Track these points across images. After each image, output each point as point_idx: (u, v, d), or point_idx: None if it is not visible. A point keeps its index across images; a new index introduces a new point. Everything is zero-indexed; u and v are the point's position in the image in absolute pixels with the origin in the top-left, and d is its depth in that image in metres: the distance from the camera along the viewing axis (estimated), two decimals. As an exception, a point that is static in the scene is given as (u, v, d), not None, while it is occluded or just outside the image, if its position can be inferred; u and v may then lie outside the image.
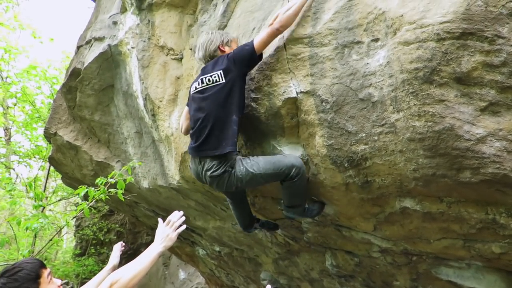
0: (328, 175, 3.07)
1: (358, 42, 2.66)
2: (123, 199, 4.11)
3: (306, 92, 2.90)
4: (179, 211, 2.58)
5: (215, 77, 3.10)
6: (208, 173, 3.11)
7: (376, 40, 2.57)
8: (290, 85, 2.99)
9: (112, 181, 3.98)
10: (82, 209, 3.84)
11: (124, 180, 4.05)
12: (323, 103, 2.82)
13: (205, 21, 4.20)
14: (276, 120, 3.15)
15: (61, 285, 2.29)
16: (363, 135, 2.68)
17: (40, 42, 13.95)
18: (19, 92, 13.10)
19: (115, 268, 2.92)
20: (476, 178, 2.35)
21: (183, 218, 2.54)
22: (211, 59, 3.28)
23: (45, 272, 2.21)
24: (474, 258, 3.06)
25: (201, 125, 3.11)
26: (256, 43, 3.00)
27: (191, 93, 3.32)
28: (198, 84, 3.22)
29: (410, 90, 2.35)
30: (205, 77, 3.16)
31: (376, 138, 2.63)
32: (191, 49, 4.27)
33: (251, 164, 3.09)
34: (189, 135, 3.54)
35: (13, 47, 13.36)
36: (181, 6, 4.58)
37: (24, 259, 2.23)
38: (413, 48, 2.32)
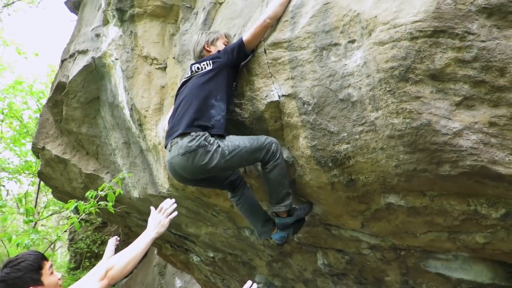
0: (313, 176, 3.13)
1: (336, 44, 2.72)
2: (113, 211, 4.13)
3: (288, 95, 2.96)
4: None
5: (203, 65, 3.17)
6: (180, 151, 2.94)
7: (353, 41, 2.63)
8: (272, 89, 3.05)
9: (102, 193, 4.00)
10: (73, 223, 3.85)
11: (114, 192, 4.07)
12: (305, 105, 2.87)
13: (187, 30, 4.25)
14: (260, 124, 3.20)
15: (61, 278, 2.34)
16: (345, 134, 2.74)
17: (25, 57, 13.90)
18: (5, 108, 13.03)
19: None
20: (455, 171, 2.42)
21: (175, 205, 2.63)
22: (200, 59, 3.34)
23: (47, 264, 2.25)
24: (460, 250, 3.13)
25: (177, 111, 3.13)
26: (245, 36, 3.08)
27: (180, 85, 3.35)
28: (188, 74, 3.28)
29: (387, 89, 2.41)
30: (194, 66, 3.24)
31: (357, 137, 2.69)
32: (174, 58, 4.31)
33: (236, 138, 3.04)
34: None
35: (-3, 64, 13.30)
36: (162, 16, 4.64)
37: (27, 251, 2.28)
38: (387, 48, 2.38)
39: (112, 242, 3.19)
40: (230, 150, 2.96)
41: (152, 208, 2.61)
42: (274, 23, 3.05)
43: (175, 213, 2.59)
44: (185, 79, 3.30)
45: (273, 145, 3.03)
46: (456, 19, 2.23)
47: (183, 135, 2.96)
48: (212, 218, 4.92)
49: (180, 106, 3.12)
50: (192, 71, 3.25)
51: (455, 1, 2.22)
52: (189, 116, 3.00)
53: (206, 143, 2.91)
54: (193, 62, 3.36)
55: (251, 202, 3.51)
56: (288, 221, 3.28)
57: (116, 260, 2.31)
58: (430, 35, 2.27)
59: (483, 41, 2.21)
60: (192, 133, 2.93)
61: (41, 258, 2.24)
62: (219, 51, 3.23)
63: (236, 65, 3.20)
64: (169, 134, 3.12)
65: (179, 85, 3.38)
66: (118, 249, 3.14)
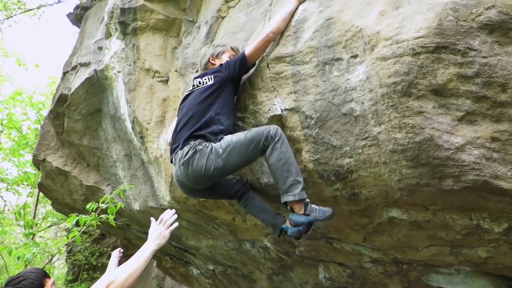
0: (316, 189, 3.14)
1: (338, 59, 2.74)
2: (114, 225, 4.13)
3: (291, 109, 2.98)
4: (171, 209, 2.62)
5: (205, 79, 3.20)
6: (181, 162, 2.96)
7: (355, 56, 2.66)
8: (275, 103, 3.07)
9: (103, 206, 4.00)
10: (74, 237, 3.85)
11: (115, 206, 4.07)
12: (308, 119, 2.89)
13: (189, 43, 4.28)
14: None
15: None
16: (348, 148, 2.76)
17: (25, 68, 13.95)
18: (5, 119, 13.04)
19: None
20: (458, 186, 2.43)
21: (175, 216, 2.58)
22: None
23: (49, 282, 2.24)
24: (463, 264, 3.13)
25: (178, 126, 3.15)
26: (247, 50, 3.11)
27: (182, 100, 3.37)
28: (191, 88, 3.31)
29: (390, 104, 2.43)
30: (196, 80, 3.27)
31: (360, 151, 2.70)
32: (176, 71, 4.34)
33: (230, 136, 3.00)
34: None
35: (-3, 74, 13.34)
36: (165, 29, 4.68)
37: (28, 269, 2.27)
38: (390, 63, 2.41)
39: (116, 254, 3.17)
40: (223, 147, 2.91)
41: (152, 219, 2.58)
42: (276, 37, 3.09)
43: (176, 224, 2.57)
44: (187, 93, 3.32)
45: (272, 130, 2.91)
46: (458, 35, 2.26)
47: (182, 147, 2.99)
48: (213, 230, 4.92)
49: (181, 122, 3.14)
50: (194, 86, 3.28)
51: (456, 17, 2.25)
52: (189, 130, 3.02)
53: (201, 147, 2.92)
54: (196, 76, 3.39)
55: (258, 201, 3.47)
56: (302, 220, 2.83)
57: (116, 274, 2.26)
58: (432, 51, 2.29)
59: (484, 57, 2.24)
60: (190, 143, 2.97)
61: (43, 276, 2.23)
62: (221, 64, 3.26)
63: (237, 78, 3.23)
64: (172, 150, 3.15)
65: (181, 99, 3.40)
66: (120, 261, 3.13)
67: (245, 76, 3.27)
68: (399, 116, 2.42)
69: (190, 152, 2.91)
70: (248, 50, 3.11)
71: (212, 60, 3.41)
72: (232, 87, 3.20)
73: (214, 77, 3.16)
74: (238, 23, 3.75)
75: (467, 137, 2.33)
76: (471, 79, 2.28)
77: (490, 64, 2.24)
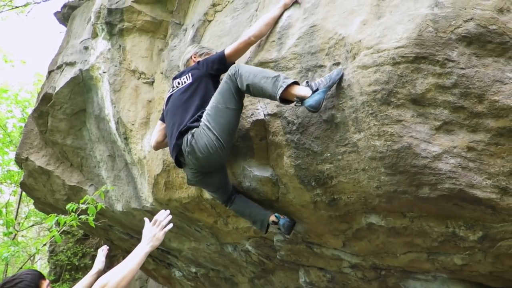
0: (296, 194, 3.16)
1: (321, 66, 2.78)
2: (93, 226, 4.10)
3: (273, 114, 3.00)
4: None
5: (183, 79, 3.24)
6: (187, 153, 2.97)
7: (337, 64, 2.69)
8: (258, 108, 3.09)
9: (83, 206, 3.98)
10: (53, 236, 3.82)
11: (96, 207, 4.05)
12: (290, 125, 2.92)
13: (175, 46, 4.29)
14: (246, 142, 3.23)
15: None
16: (328, 154, 2.78)
17: (12, 66, 13.82)
18: (-11, 116, 12.90)
19: (100, 272, 2.89)
20: (434, 194, 2.47)
21: (170, 217, 2.52)
22: None
23: (44, 284, 2.21)
24: (439, 270, 3.17)
25: (170, 130, 3.17)
26: (227, 50, 3.15)
27: (165, 103, 3.39)
28: (171, 90, 3.33)
29: (370, 111, 2.47)
30: (176, 81, 3.30)
31: (340, 157, 2.73)
32: (162, 73, 4.34)
33: (206, 110, 2.98)
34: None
35: (-17, 71, 13.19)
36: (151, 31, 4.68)
37: (24, 271, 2.24)
38: (371, 72, 2.44)
39: (103, 253, 3.14)
40: (206, 119, 2.90)
41: (146, 219, 2.51)
42: (257, 41, 3.14)
43: (170, 225, 2.50)
44: (169, 95, 3.34)
45: (228, 71, 2.90)
46: (437, 46, 2.30)
47: (180, 143, 3.01)
48: (195, 233, 4.92)
49: (171, 126, 3.17)
50: (173, 87, 3.32)
51: (436, 29, 2.30)
52: (179, 128, 3.03)
53: (194, 131, 2.93)
54: (175, 76, 3.43)
55: (244, 198, 3.50)
56: (319, 96, 2.50)
57: (110, 276, 2.18)
58: (412, 60, 2.33)
59: (462, 68, 2.29)
60: (185, 136, 2.97)
61: (39, 278, 2.20)
62: (199, 61, 3.30)
63: (215, 75, 3.27)
64: (172, 155, 3.19)
65: (165, 100, 3.41)
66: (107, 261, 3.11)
67: (222, 74, 3.30)
68: (378, 124, 2.45)
69: (189, 139, 2.92)
70: (228, 50, 3.15)
71: (194, 57, 3.46)
72: (211, 83, 3.22)
73: (191, 75, 3.21)
74: (224, 27, 3.77)
75: (444, 146, 2.37)
76: (449, 90, 2.32)
77: (467, 75, 2.28)
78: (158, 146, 3.63)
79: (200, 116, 2.98)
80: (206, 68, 3.21)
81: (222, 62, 3.18)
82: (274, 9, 3.11)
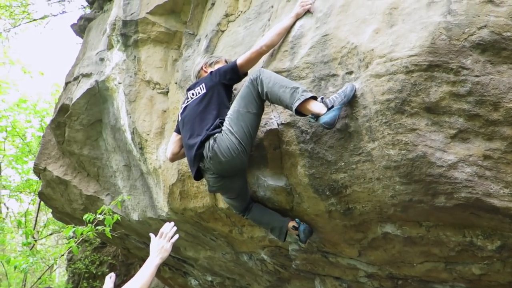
0: (311, 204, 3.15)
1: (334, 75, 2.78)
2: (110, 236, 4.14)
3: (287, 124, 3.00)
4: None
5: (198, 90, 3.28)
6: (208, 158, 2.97)
7: (350, 73, 2.69)
8: (271, 117, 3.10)
9: (100, 217, 4.02)
10: (70, 247, 3.87)
11: (112, 217, 4.08)
12: (303, 134, 2.91)
13: (189, 56, 4.33)
14: (260, 151, 3.24)
15: None
16: (342, 164, 2.77)
17: (31, 76, 14.05)
18: (9, 126, 13.12)
19: None
20: (451, 203, 2.44)
21: (175, 228, 2.58)
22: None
23: None
24: (457, 280, 3.12)
25: (187, 141, 3.18)
26: (239, 60, 3.19)
27: (180, 114, 3.42)
28: (186, 101, 3.36)
29: (384, 120, 2.45)
30: (190, 92, 3.34)
31: (354, 166, 2.72)
32: (176, 83, 4.38)
33: (227, 115, 3.01)
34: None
35: (3, 81, 13.44)
36: (166, 42, 4.73)
37: None
38: (384, 80, 2.43)
39: (111, 280, 3.17)
40: (228, 123, 2.93)
41: (151, 235, 2.58)
42: (269, 51, 3.16)
43: (177, 236, 2.57)
44: (184, 106, 3.38)
45: (251, 76, 2.92)
46: (450, 54, 2.29)
47: (202, 150, 3.01)
48: (211, 242, 4.93)
49: (188, 137, 3.18)
50: (187, 98, 3.36)
51: (449, 36, 2.28)
52: (199, 137, 3.04)
53: (216, 136, 2.94)
54: (189, 87, 3.47)
55: (261, 206, 3.49)
56: (333, 114, 2.51)
57: None
58: (425, 69, 2.32)
59: (477, 76, 2.27)
60: (207, 142, 2.98)
61: None
62: (211, 72, 3.33)
63: (228, 85, 3.30)
64: (192, 165, 3.19)
65: (180, 111, 3.44)
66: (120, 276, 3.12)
67: (235, 84, 3.37)
68: (393, 133, 2.44)
69: (211, 144, 2.94)
70: (240, 60, 3.19)
71: (205, 68, 3.51)
72: (224, 92, 3.25)
73: (205, 85, 3.24)
74: (237, 37, 3.79)
75: (459, 155, 2.35)
76: (463, 98, 2.31)
77: (482, 83, 2.26)
78: (174, 157, 3.64)
79: (221, 123, 3.01)
80: (219, 78, 3.24)
81: (235, 72, 3.22)
82: (286, 19, 3.13)
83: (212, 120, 3.08)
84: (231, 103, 3.20)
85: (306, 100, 2.65)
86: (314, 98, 2.68)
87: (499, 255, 2.68)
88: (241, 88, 3.02)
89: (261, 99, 2.91)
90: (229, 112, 2.98)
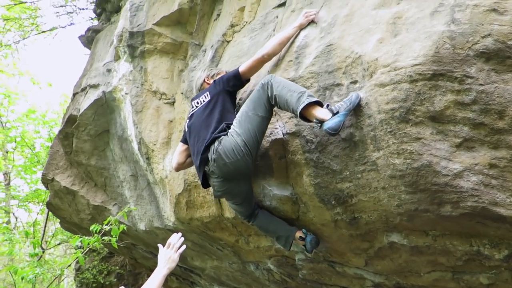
0: (317, 213, 3.14)
1: (338, 85, 2.78)
2: (116, 247, 4.15)
3: (292, 133, 3.01)
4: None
5: (202, 98, 3.34)
6: (213, 161, 2.98)
7: (355, 82, 2.69)
8: (277, 127, 3.11)
9: (107, 228, 4.04)
10: (77, 258, 3.88)
11: (118, 228, 4.10)
12: (308, 144, 2.92)
13: (195, 66, 4.36)
14: (265, 161, 3.24)
15: None
16: (347, 173, 2.77)
17: (39, 87, 14.21)
18: (18, 136, 13.25)
19: None
20: (457, 212, 2.42)
21: (182, 238, 2.61)
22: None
23: None
24: (465, 290, 3.09)
25: (194, 148, 3.20)
26: (241, 67, 3.24)
27: (186, 123, 3.45)
28: (191, 110, 3.41)
29: (388, 130, 2.45)
30: (195, 101, 3.39)
31: (359, 176, 2.72)
32: (182, 93, 4.41)
33: (237, 116, 3.03)
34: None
35: (12, 92, 13.59)
36: (172, 53, 4.77)
37: None
38: (388, 90, 2.44)
39: None
40: (236, 125, 2.96)
41: (159, 245, 2.62)
42: (271, 59, 3.21)
43: (184, 246, 2.60)
44: (189, 115, 3.41)
45: (262, 81, 2.94)
46: (454, 63, 2.29)
47: (207, 154, 3.03)
48: (217, 252, 4.92)
49: (195, 144, 3.20)
50: (193, 107, 3.40)
51: (453, 45, 2.28)
52: (204, 142, 3.06)
53: (221, 137, 2.96)
54: (193, 97, 3.51)
55: (268, 213, 3.47)
56: (338, 119, 2.51)
57: None
58: (429, 78, 2.32)
59: (481, 84, 2.26)
60: (212, 145, 3.01)
61: None
62: (215, 80, 3.40)
63: (232, 92, 3.35)
64: (199, 170, 3.20)
65: (186, 121, 3.46)
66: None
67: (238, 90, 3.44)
68: (397, 142, 2.44)
69: (216, 146, 2.96)
70: (242, 67, 3.24)
71: (207, 80, 3.57)
72: (229, 98, 3.30)
73: (209, 93, 3.30)
74: (243, 48, 3.82)
75: (465, 164, 2.34)
76: (468, 106, 2.30)
77: (487, 92, 2.26)
78: (180, 167, 3.65)
79: (227, 127, 3.03)
80: (223, 85, 3.28)
81: (237, 79, 3.28)
82: (289, 28, 3.15)
83: (215, 124, 3.10)
84: (237, 110, 3.25)
85: (312, 105, 2.66)
86: (320, 104, 2.69)
87: (507, 264, 2.65)
88: (252, 92, 3.05)
89: (270, 104, 2.93)
90: (238, 115, 3.01)
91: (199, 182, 3.80)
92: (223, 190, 3.17)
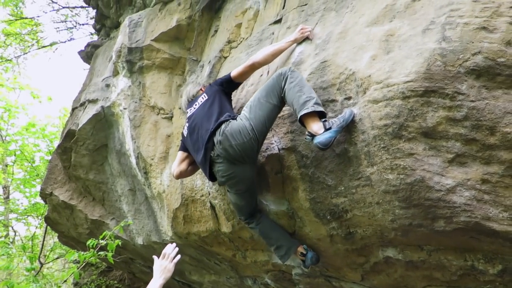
0: (313, 228, 3.16)
1: (333, 101, 2.82)
2: (112, 262, 4.16)
3: (288, 149, 3.04)
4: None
5: (200, 100, 3.42)
6: (219, 143, 2.96)
7: (349, 98, 2.73)
8: (272, 142, 3.14)
9: (103, 242, 4.04)
10: (73, 273, 3.88)
11: (114, 242, 4.10)
12: (304, 159, 2.95)
13: (193, 81, 4.40)
14: (261, 176, 3.27)
15: None
16: (342, 188, 2.79)
17: (39, 101, 14.26)
18: (17, 150, 13.27)
19: None
20: (450, 227, 2.44)
21: (177, 249, 2.63)
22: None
23: None
24: (461, 305, 3.09)
25: (198, 139, 3.21)
26: (233, 72, 3.41)
27: (185, 128, 3.46)
28: (189, 114, 3.46)
29: (382, 145, 2.48)
30: (191, 107, 3.47)
31: (354, 191, 2.74)
32: (180, 108, 4.45)
33: (249, 101, 3.08)
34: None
35: (12, 106, 13.64)
36: (170, 68, 4.82)
37: None
38: (381, 106, 2.47)
39: None
40: (247, 110, 2.99)
41: (154, 257, 2.64)
42: (260, 68, 3.36)
43: (179, 256, 2.62)
44: (187, 118, 3.45)
45: (282, 70, 2.94)
46: (446, 79, 2.32)
47: (213, 140, 3.03)
48: (215, 266, 4.92)
49: (198, 137, 3.20)
50: (192, 108, 3.45)
51: (444, 62, 2.32)
52: (210, 131, 3.05)
53: (229, 122, 2.98)
54: (188, 105, 3.58)
55: (271, 220, 3.44)
56: (329, 135, 2.54)
57: None
58: (421, 94, 2.35)
59: (472, 101, 2.30)
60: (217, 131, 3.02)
61: None
62: (210, 83, 3.56)
63: (226, 92, 3.46)
64: (203, 162, 3.16)
65: (184, 126, 3.49)
66: None
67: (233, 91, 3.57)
68: (391, 158, 2.46)
69: (222, 129, 2.96)
70: (234, 73, 3.38)
71: (203, 88, 3.66)
72: (225, 97, 3.40)
73: (206, 94, 3.41)
74: (240, 63, 3.84)
75: (457, 179, 2.36)
76: (460, 122, 2.33)
77: (478, 108, 2.29)
78: (181, 175, 3.60)
79: (232, 117, 3.06)
80: (218, 87, 3.41)
81: (229, 82, 3.42)
82: (283, 42, 3.23)
83: (218, 115, 3.14)
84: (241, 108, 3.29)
85: (312, 115, 2.68)
86: (323, 115, 2.71)
87: (501, 279, 2.66)
88: (267, 79, 3.06)
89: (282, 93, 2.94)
90: (250, 100, 3.05)
91: (197, 197, 3.85)
92: (227, 175, 3.08)
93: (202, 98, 3.40)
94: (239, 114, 3.05)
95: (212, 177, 3.20)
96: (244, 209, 3.37)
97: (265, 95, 2.95)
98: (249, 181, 3.18)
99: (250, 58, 3.31)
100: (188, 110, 3.49)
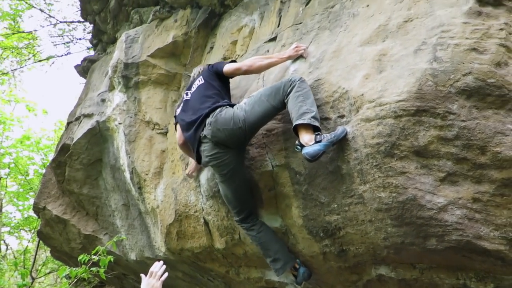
0: (306, 245, 3.16)
1: (326, 118, 2.84)
2: (104, 278, 4.13)
3: (281, 165, 3.05)
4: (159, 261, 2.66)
5: (196, 84, 3.53)
6: (210, 125, 3.10)
7: (342, 116, 2.76)
8: (266, 159, 3.15)
9: (95, 258, 4.02)
10: (64, 289, 3.85)
11: (106, 258, 4.08)
12: (297, 176, 2.96)
13: (188, 97, 4.42)
14: (255, 193, 3.28)
15: None
16: (335, 205, 2.81)
17: (35, 114, 14.25)
18: (12, 162, 13.21)
19: None
20: (442, 245, 2.45)
21: (164, 266, 2.61)
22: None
23: None
24: (454, 324, 3.09)
25: (189, 114, 3.37)
26: (225, 68, 3.49)
27: (180, 104, 3.63)
28: (186, 94, 3.58)
29: (374, 163, 2.50)
30: (193, 85, 3.55)
31: (347, 208, 2.75)
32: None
33: (252, 94, 3.18)
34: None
35: (7, 118, 13.60)
36: (165, 83, 4.86)
37: None
38: (374, 125, 2.50)
39: None
40: (245, 102, 3.09)
41: (142, 275, 2.63)
42: (246, 74, 3.46)
43: (166, 274, 2.61)
44: (184, 100, 3.56)
45: (292, 78, 2.95)
46: (437, 99, 2.36)
47: (205, 122, 3.18)
48: (208, 282, 4.89)
49: (191, 118, 3.33)
50: (190, 88, 3.56)
51: (436, 82, 2.36)
52: (205, 110, 3.20)
53: (225, 108, 3.13)
54: (187, 87, 3.67)
55: (273, 231, 3.39)
56: (317, 148, 2.57)
57: None
58: (413, 114, 2.39)
59: (463, 120, 2.33)
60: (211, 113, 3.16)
61: None
62: (208, 66, 3.65)
63: (220, 79, 3.53)
64: (193, 140, 3.31)
65: (180, 103, 3.65)
66: None
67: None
68: (383, 176, 2.48)
69: (216, 112, 3.11)
70: (226, 68, 3.49)
71: (201, 70, 3.74)
72: (221, 82, 3.51)
73: (202, 77, 3.51)
74: (234, 80, 3.88)
75: (449, 198, 2.38)
76: (451, 141, 2.36)
77: (469, 128, 2.32)
78: (186, 143, 3.66)
79: (218, 102, 3.23)
80: (212, 72, 3.52)
81: (221, 74, 3.50)
82: (276, 56, 3.32)
83: (212, 99, 3.28)
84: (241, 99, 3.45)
85: (307, 126, 2.71)
86: (317, 130, 2.72)
87: (494, 298, 2.67)
88: (278, 81, 3.14)
89: (285, 102, 2.96)
90: (253, 94, 3.14)
91: (191, 213, 3.85)
92: (211, 155, 3.17)
93: (199, 80, 3.51)
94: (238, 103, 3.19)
95: (198, 159, 3.33)
96: (233, 203, 3.33)
97: (268, 94, 3.01)
98: (234, 167, 3.19)
99: (244, 62, 3.39)
100: (192, 85, 3.59)
